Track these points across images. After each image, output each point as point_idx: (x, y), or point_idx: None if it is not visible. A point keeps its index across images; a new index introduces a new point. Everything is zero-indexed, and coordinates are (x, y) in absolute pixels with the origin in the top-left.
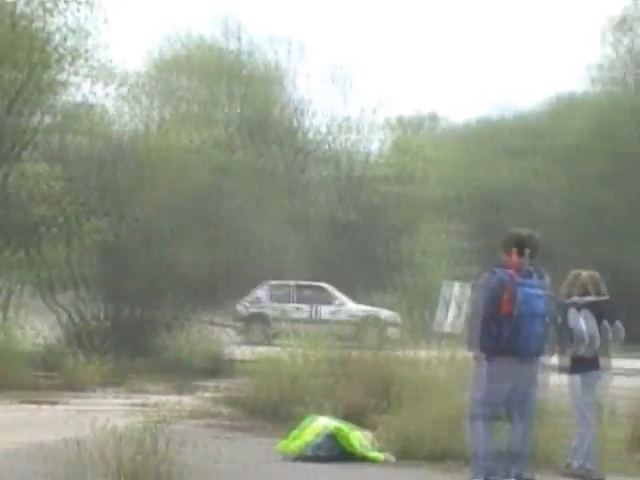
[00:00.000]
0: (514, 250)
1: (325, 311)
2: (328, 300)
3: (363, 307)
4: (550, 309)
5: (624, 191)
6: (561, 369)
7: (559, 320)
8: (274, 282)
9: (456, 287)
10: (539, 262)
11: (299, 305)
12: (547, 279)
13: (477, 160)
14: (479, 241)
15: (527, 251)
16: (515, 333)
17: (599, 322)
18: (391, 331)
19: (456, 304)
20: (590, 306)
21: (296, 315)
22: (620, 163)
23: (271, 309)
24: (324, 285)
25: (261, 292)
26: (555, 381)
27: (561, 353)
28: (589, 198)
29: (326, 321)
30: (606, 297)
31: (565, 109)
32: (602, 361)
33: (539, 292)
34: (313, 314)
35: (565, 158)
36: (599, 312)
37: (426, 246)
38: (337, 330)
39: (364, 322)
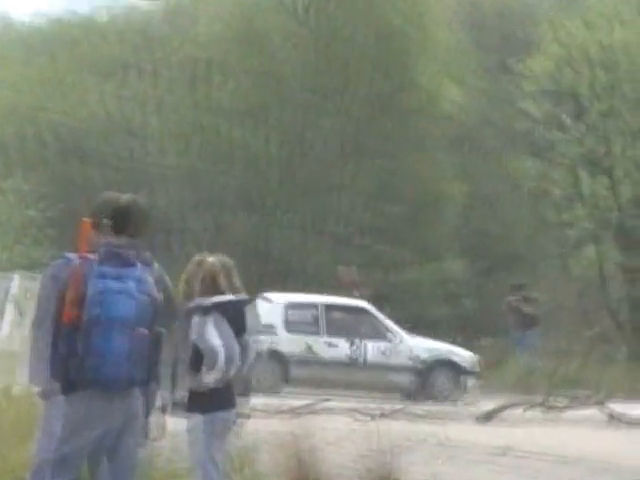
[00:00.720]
0: (94, 222)
1: (374, 350)
2: (377, 332)
3: (427, 343)
4: (158, 314)
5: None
6: (177, 406)
7: (176, 332)
8: (294, 297)
9: (15, 280)
10: (149, 242)
11: (332, 338)
12: (156, 268)
13: (52, 78)
14: (60, 208)
15: (106, 223)
16: (87, 351)
17: (237, 334)
18: (470, 382)
19: (16, 306)
20: (223, 309)
21: (328, 355)
22: (268, 90)
23: (288, 344)
24: (367, 307)
25: (271, 314)
26: (170, 425)
27: (177, 382)
28: (225, 142)
29: (375, 366)
30: (244, 296)
31: (190, 9)
32: (239, 394)
33: (132, 287)
34: (356, 354)
35: (191, 79)
36: (237, 319)
37: None
38: (390, 380)
39: (431, 368)
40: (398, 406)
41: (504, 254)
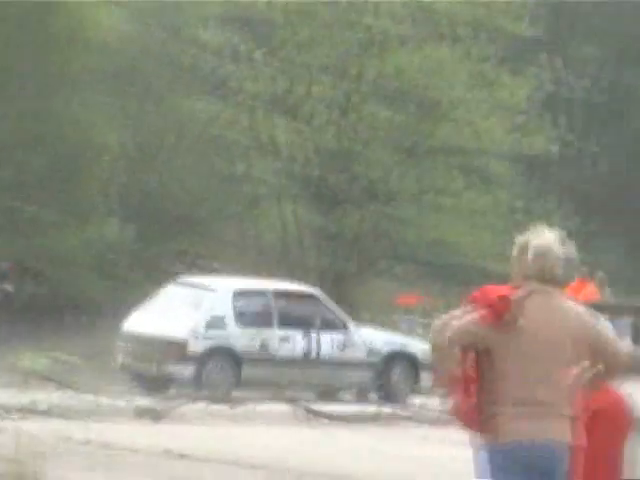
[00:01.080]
0: None
1: (329, 343)
2: (330, 322)
3: (386, 336)
4: None
5: None
6: None
7: None
8: (239, 284)
9: None
10: None
11: (286, 332)
12: None
13: None
14: None
15: None
16: None
17: None
18: (425, 377)
19: None
20: None
21: (283, 352)
22: None
23: (241, 339)
24: (316, 293)
25: (219, 304)
26: None
27: None
28: None
29: (330, 362)
30: None
31: None
32: None
33: None
34: (310, 349)
35: None
36: None
37: None
38: (348, 377)
39: (389, 362)
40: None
41: (172, 215)
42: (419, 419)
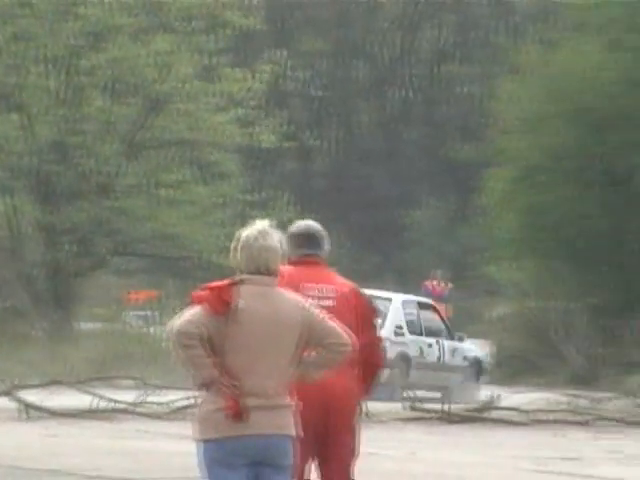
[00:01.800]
0: None
1: (448, 350)
2: (444, 331)
3: (470, 344)
4: None
5: None
6: None
7: None
8: (404, 297)
9: None
10: None
11: (429, 339)
12: None
13: None
14: None
15: None
16: None
17: None
18: (483, 380)
19: None
20: None
21: (430, 357)
22: None
23: (411, 346)
24: (432, 302)
25: (398, 313)
26: None
27: None
28: None
29: (447, 367)
30: None
31: None
32: None
33: None
34: (440, 356)
35: None
36: None
37: None
38: (444, 379)
39: (471, 366)
40: None
41: None
42: (139, 413)
